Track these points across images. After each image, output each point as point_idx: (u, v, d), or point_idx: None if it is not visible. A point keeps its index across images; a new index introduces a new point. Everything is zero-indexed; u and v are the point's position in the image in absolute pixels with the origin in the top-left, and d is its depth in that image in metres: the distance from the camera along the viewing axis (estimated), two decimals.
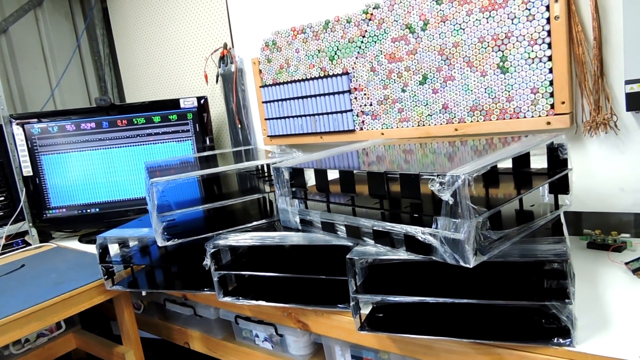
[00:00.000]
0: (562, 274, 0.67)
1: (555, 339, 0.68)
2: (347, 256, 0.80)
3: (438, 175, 0.67)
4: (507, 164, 0.94)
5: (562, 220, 0.85)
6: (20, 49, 1.97)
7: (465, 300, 0.71)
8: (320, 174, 0.90)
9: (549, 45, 0.97)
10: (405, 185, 0.73)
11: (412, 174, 0.72)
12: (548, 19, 0.96)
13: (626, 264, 0.87)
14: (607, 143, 0.99)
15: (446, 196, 0.66)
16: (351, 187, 0.83)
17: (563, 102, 0.98)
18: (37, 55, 2.03)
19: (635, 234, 1.00)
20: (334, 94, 1.33)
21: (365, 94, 1.27)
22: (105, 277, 1.19)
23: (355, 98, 1.30)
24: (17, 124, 1.59)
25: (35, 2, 1.96)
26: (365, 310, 0.85)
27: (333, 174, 0.90)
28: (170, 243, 1.01)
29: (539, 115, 1.02)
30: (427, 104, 1.17)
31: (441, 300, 0.73)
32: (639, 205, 0.97)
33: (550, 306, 0.67)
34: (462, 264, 0.67)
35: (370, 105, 1.27)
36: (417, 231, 0.72)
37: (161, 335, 1.49)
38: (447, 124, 1.15)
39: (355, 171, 0.83)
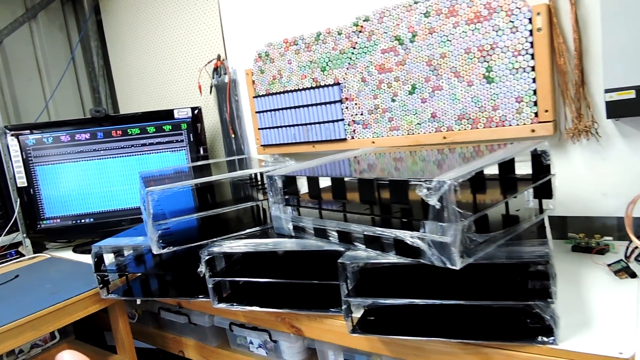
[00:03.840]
0: (544, 274, 0.70)
1: (540, 337, 0.70)
2: (339, 260, 0.82)
3: (425, 181, 0.69)
4: (494, 170, 0.97)
5: (547, 223, 0.88)
6: (15, 61, 1.99)
7: (452, 302, 0.74)
8: (313, 181, 0.93)
9: (532, 56, 1.01)
10: (395, 191, 0.76)
11: (400, 180, 0.75)
12: (531, 31, 1.00)
13: (608, 265, 0.90)
14: (589, 149, 1.03)
15: (433, 201, 0.68)
16: (342, 193, 0.86)
17: (546, 111, 1.02)
18: (31, 67, 2.05)
19: (617, 237, 1.03)
20: (325, 103, 1.36)
21: (356, 104, 1.31)
22: (101, 285, 1.20)
23: (347, 108, 1.33)
24: (12, 134, 1.60)
25: (29, 15, 1.98)
26: (358, 314, 0.87)
27: (325, 182, 0.92)
28: (165, 251, 1.03)
29: (524, 124, 1.05)
30: (416, 113, 1.20)
31: (430, 302, 0.76)
32: (621, 209, 1.00)
33: (533, 305, 0.69)
34: (449, 266, 0.69)
35: (361, 114, 1.30)
36: (406, 235, 0.74)
37: (156, 345, 1.49)
38: (435, 132, 1.18)
39: (346, 178, 0.85)
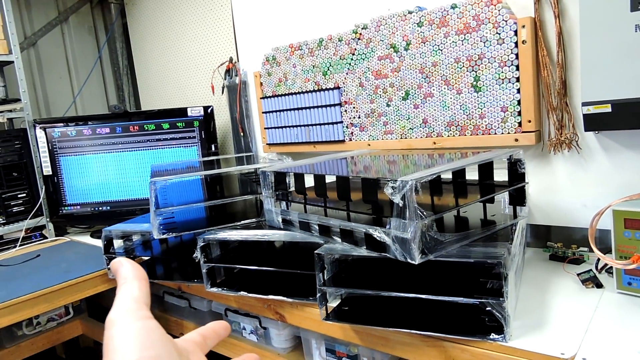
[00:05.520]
0: (499, 274, 0.75)
1: (492, 334, 0.74)
2: (316, 252, 0.89)
3: (390, 180, 0.75)
4: (474, 175, 1.02)
5: (519, 229, 0.92)
6: (47, 60, 2.15)
7: (412, 295, 0.79)
8: (299, 177, 1.00)
9: (517, 67, 1.05)
10: (366, 189, 0.82)
11: (371, 178, 0.81)
12: (516, 43, 1.04)
13: (578, 274, 0.92)
14: (571, 161, 1.06)
15: (397, 199, 0.74)
16: (323, 190, 0.92)
17: (529, 121, 1.06)
18: (62, 66, 2.20)
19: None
20: (326, 106, 1.43)
21: (354, 107, 1.37)
22: (108, 267, 1.30)
23: (345, 111, 1.39)
24: (40, 127, 1.74)
25: (61, 18, 2.14)
26: (334, 304, 0.93)
27: (312, 179, 0.99)
28: (165, 236, 1.12)
29: (508, 132, 1.09)
30: (409, 118, 1.26)
31: (393, 294, 0.81)
32: (600, 221, 1.03)
33: (486, 303, 0.74)
34: (409, 260, 0.75)
35: (359, 117, 1.36)
36: (374, 231, 0.80)
37: None
38: (426, 137, 1.23)
39: (327, 176, 0.92)
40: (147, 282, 0.32)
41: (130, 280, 0.31)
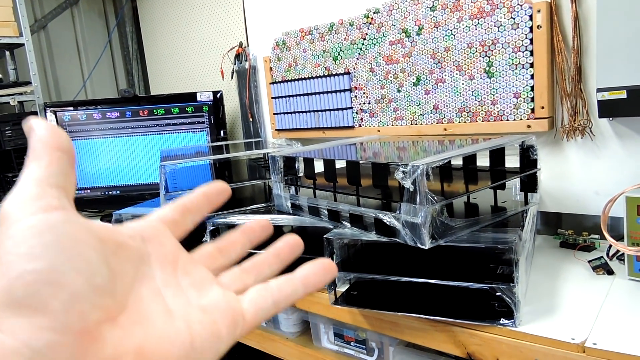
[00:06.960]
0: (509, 260, 0.74)
1: (502, 319, 0.75)
2: (325, 236, 0.89)
3: (401, 165, 0.75)
4: (485, 162, 1.01)
5: (530, 216, 0.91)
6: (57, 43, 2.15)
7: (421, 280, 0.79)
8: (308, 162, 0.99)
9: (531, 53, 1.03)
10: (376, 174, 0.81)
11: (381, 163, 0.80)
12: (531, 28, 1.02)
13: (589, 262, 0.92)
14: (584, 148, 1.04)
15: (408, 184, 0.74)
16: (333, 175, 0.92)
17: (542, 107, 1.04)
18: (72, 50, 2.20)
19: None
20: (336, 92, 1.42)
21: (364, 93, 1.36)
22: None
23: (355, 96, 1.38)
24: (51, 111, 1.75)
25: (72, 1, 2.14)
26: (343, 288, 0.94)
27: (321, 164, 0.99)
28: None
29: (520, 119, 1.08)
30: (419, 104, 1.24)
31: (403, 279, 0.81)
32: (612, 208, 1.02)
33: (496, 288, 0.74)
34: (419, 245, 0.75)
35: (369, 103, 1.35)
36: (384, 215, 0.80)
37: None
38: (437, 123, 1.22)
39: (336, 160, 0.91)
40: (64, 154, 0.21)
41: (39, 154, 0.21)
